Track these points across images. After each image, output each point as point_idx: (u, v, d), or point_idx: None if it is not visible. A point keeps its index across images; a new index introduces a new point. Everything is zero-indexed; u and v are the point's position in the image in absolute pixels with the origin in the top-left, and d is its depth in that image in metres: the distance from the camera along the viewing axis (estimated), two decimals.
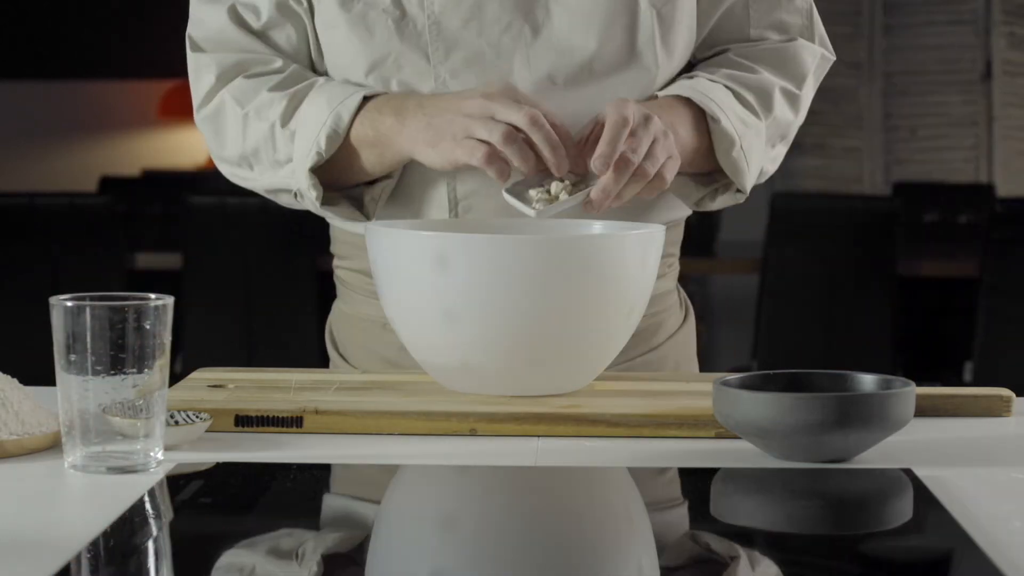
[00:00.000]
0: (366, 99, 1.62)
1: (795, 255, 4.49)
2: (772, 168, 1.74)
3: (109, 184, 6.07)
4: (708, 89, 1.65)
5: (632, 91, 1.65)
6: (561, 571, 1.05)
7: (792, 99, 1.72)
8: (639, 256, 1.48)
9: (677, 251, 1.81)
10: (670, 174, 1.57)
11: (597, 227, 1.58)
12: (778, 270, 4.49)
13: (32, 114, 7.45)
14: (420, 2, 1.63)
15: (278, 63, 1.67)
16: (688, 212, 1.78)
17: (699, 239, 4.77)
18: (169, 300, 1.28)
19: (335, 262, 1.81)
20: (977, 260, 4.47)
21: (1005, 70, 6.41)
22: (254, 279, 4.38)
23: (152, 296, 1.29)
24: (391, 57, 1.64)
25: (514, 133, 1.52)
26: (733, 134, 1.64)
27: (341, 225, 1.75)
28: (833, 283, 4.43)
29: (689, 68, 1.74)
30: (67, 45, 7.35)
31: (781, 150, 1.74)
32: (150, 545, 1.10)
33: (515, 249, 1.44)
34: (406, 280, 1.47)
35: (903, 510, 1.22)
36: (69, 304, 1.26)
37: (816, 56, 1.75)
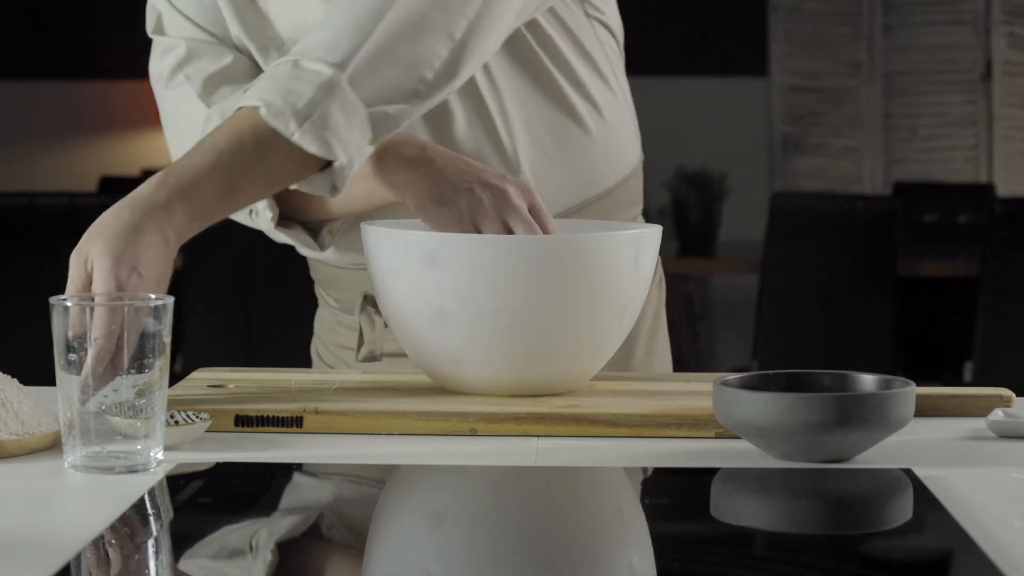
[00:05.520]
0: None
1: (795, 255, 4.49)
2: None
3: (109, 184, 6.07)
4: None
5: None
6: (560, 571, 1.05)
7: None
8: (631, 256, 1.47)
9: (639, 211, 1.75)
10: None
11: (590, 226, 1.57)
12: (778, 270, 4.49)
13: (32, 114, 7.44)
14: None
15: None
16: (629, 170, 1.71)
17: (699, 239, 4.77)
18: (169, 300, 1.28)
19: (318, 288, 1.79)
20: (977, 260, 4.47)
21: (1005, 70, 6.41)
22: (254, 279, 4.38)
23: (152, 296, 1.29)
24: None
25: None
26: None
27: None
28: (833, 283, 4.43)
29: None
30: (67, 45, 7.35)
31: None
32: (150, 545, 1.10)
33: (503, 248, 1.44)
34: (398, 279, 1.47)
35: (903, 510, 1.22)
36: (69, 304, 1.26)
37: None
